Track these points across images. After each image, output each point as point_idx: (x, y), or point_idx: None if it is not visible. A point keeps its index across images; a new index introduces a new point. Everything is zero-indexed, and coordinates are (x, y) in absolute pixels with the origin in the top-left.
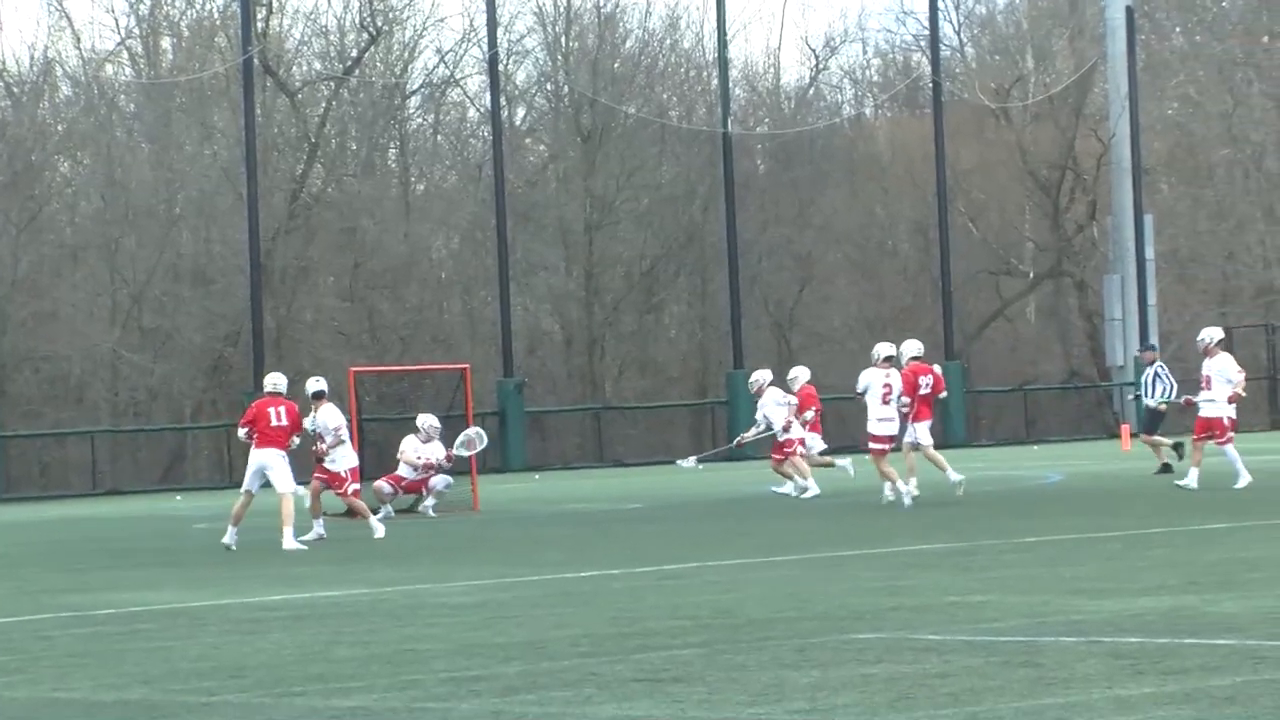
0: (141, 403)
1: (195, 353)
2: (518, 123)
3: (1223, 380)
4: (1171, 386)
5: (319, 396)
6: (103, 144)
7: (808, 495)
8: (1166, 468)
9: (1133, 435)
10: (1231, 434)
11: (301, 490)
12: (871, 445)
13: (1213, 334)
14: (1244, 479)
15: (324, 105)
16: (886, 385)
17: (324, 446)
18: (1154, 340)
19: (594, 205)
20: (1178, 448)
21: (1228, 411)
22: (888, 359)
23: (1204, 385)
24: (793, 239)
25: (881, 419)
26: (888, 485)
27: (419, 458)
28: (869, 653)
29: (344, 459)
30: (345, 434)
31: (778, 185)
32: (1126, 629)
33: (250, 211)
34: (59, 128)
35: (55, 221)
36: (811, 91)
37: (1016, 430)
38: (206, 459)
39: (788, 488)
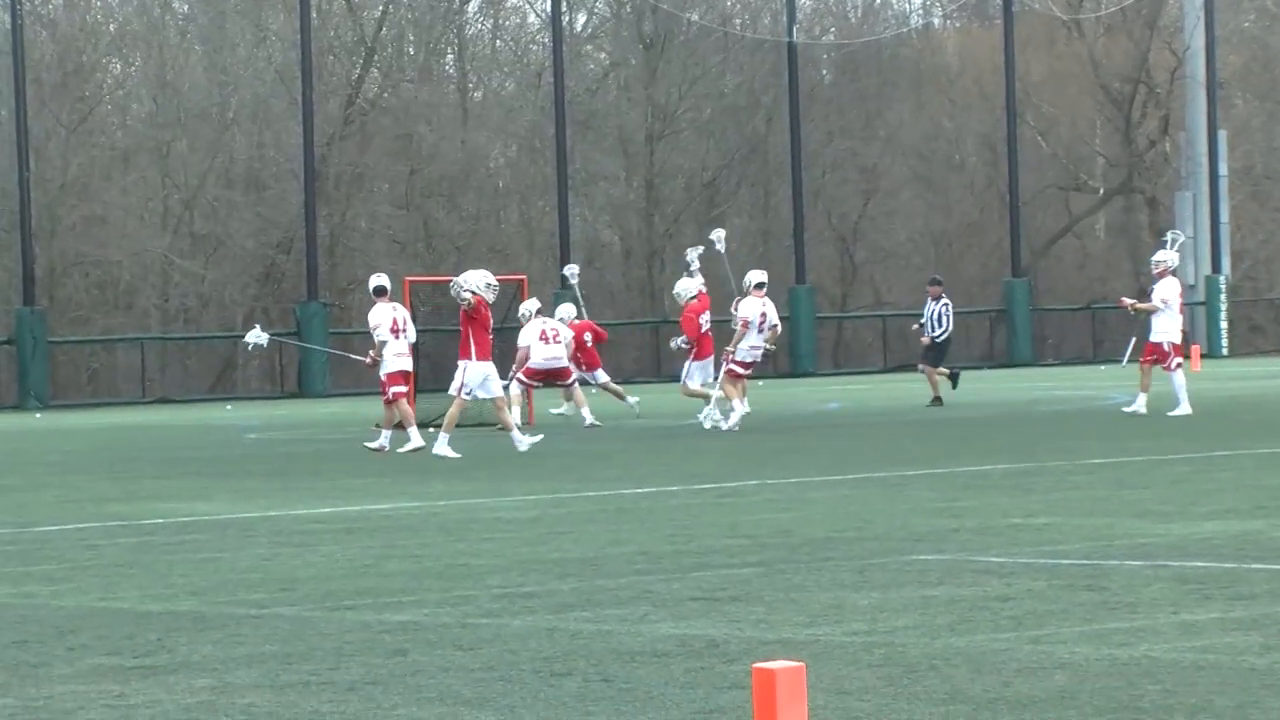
0: (192, 310)
1: (247, 259)
2: (578, 29)
3: (1172, 307)
4: (948, 324)
5: (379, 293)
6: (155, 45)
7: (589, 423)
8: (939, 400)
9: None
10: (1179, 360)
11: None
12: (733, 367)
13: (1169, 258)
14: (1183, 408)
15: (381, 8)
16: (762, 314)
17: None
18: (1225, 258)
19: (655, 114)
20: (953, 378)
21: (1172, 337)
22: (759, 286)
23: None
24: (858, 151)
25: (754, 346)
26: (712, 405)
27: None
28: (930, 575)
29: (385, 363)
30: (384, 334)
31: (843, 96)
32: (1192, 553)
33: (305, 116)
34: (110, 27)
35: (106, 124)
36: (879, 0)
37: (1083, 350)
38: (257, 368)
39: (565, 408)
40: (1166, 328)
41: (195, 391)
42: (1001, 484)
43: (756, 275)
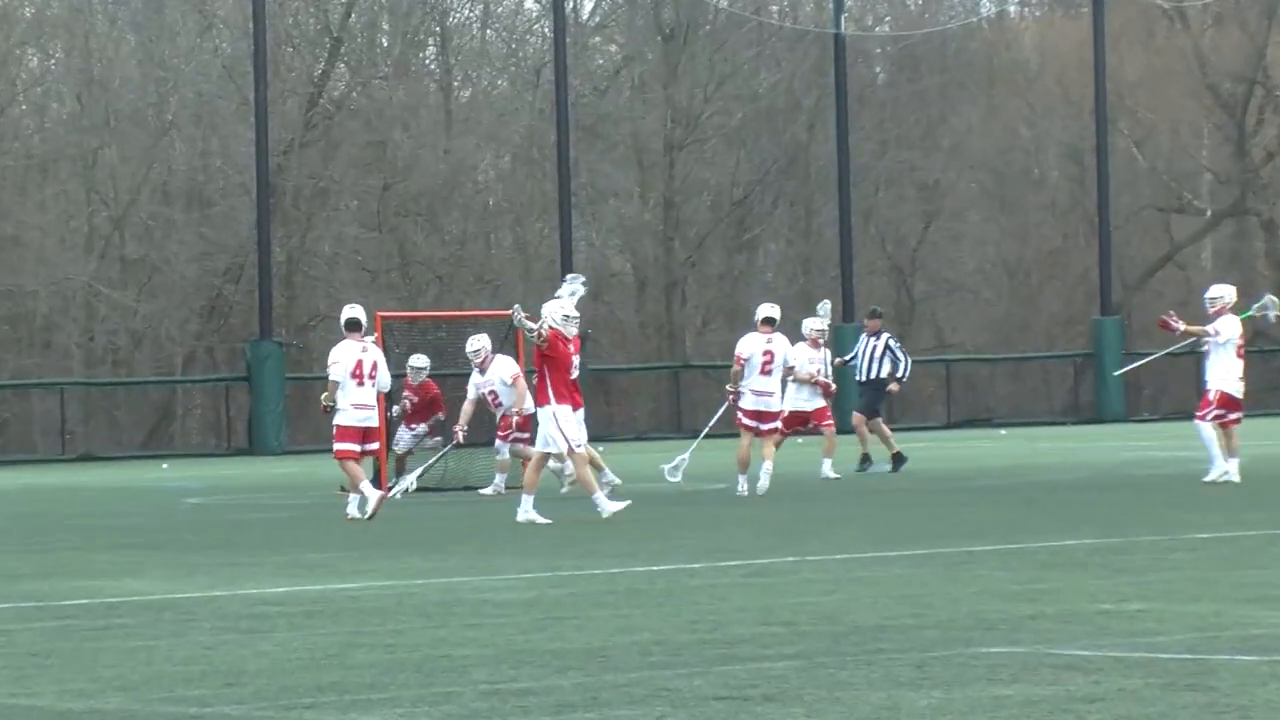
0: (122, 350)
1: (188, 290)
2: (584, 17)
3: (1226, 346)
4: (907, 362)
5: (351, 328)
6: (79, 33)
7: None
8: (867, 458)
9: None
10: (1218, 411)
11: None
12: (741, 419)
13: (1225, 293)
14: (1217, 469)
15: None
16: (767, 353)
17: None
18: None
19: (676, 119)
20: (897, 460)
21: (1224, 385)
22: (767, 321)
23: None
24: (917, 164)
25: (758, 392)
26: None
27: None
28: (1002, 670)
29: (340, 411)
30: (338, 373)
31: (900, 98)
32: None
33: (258, 119)
34: (26, 12)
35: (20, 127)
36: None
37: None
38: (199, 420)
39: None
40: (1220, 373)
41: (125, 447)
42: (1088, 562)
43: (764, 310)
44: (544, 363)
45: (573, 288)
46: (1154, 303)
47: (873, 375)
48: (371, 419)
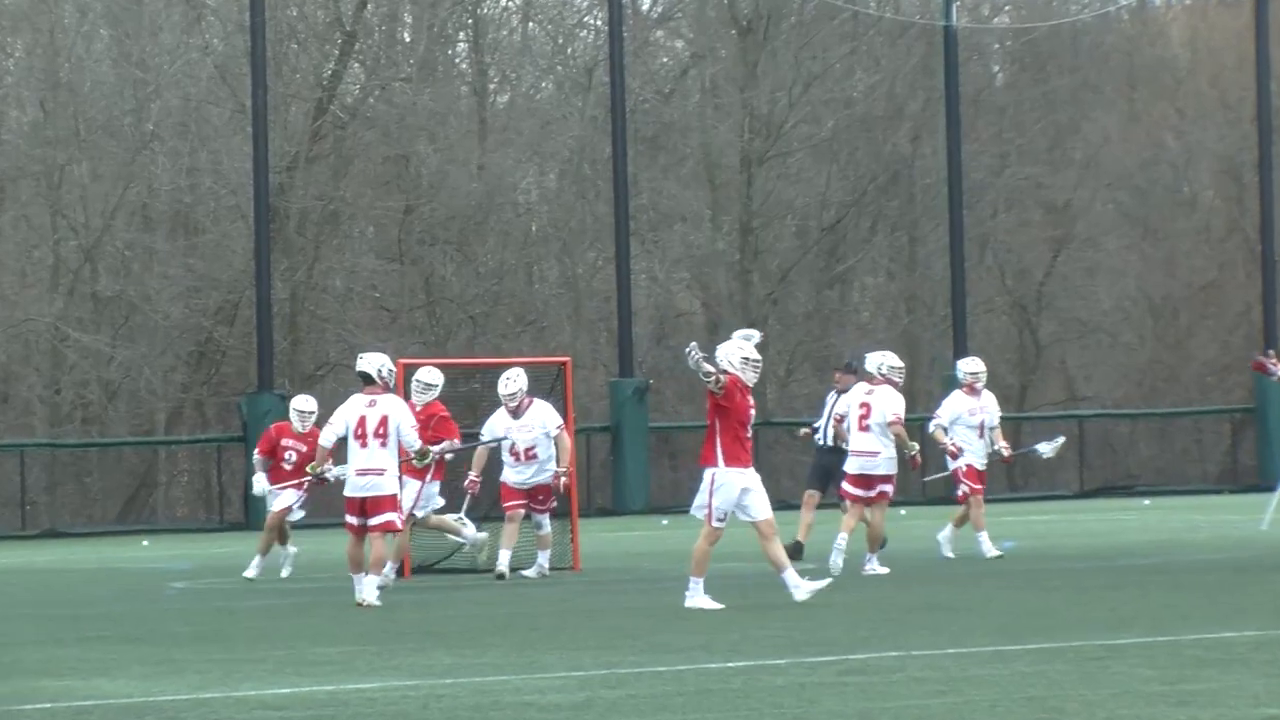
0: (94, 405)
1: (173, 334)
2: (645, 6)
3: None
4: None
5: (365, 381)
6: (43, 27)
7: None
8: (799, 546)
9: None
10: None
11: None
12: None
13: None
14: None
15: None
16: (864, 405)
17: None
18: None
19: (754, 129)
20: (796, 549)
21: None
22: (849, 369)
23: None
24: (1043, 181)
25: (858, 452)
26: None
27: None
28: None
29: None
30: (327, 436)
31: (1023, 103)
32: None
33: (256, 130)
34: None
35: None
36: None
37: None
38: (186, 489)
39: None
40: None
41: (98, 521)
42: (1250, 658)
43: (879, 358)
44: (716, 415)
45: (746, 336)
46: None
47: (826, 438)
48: (378, 486)
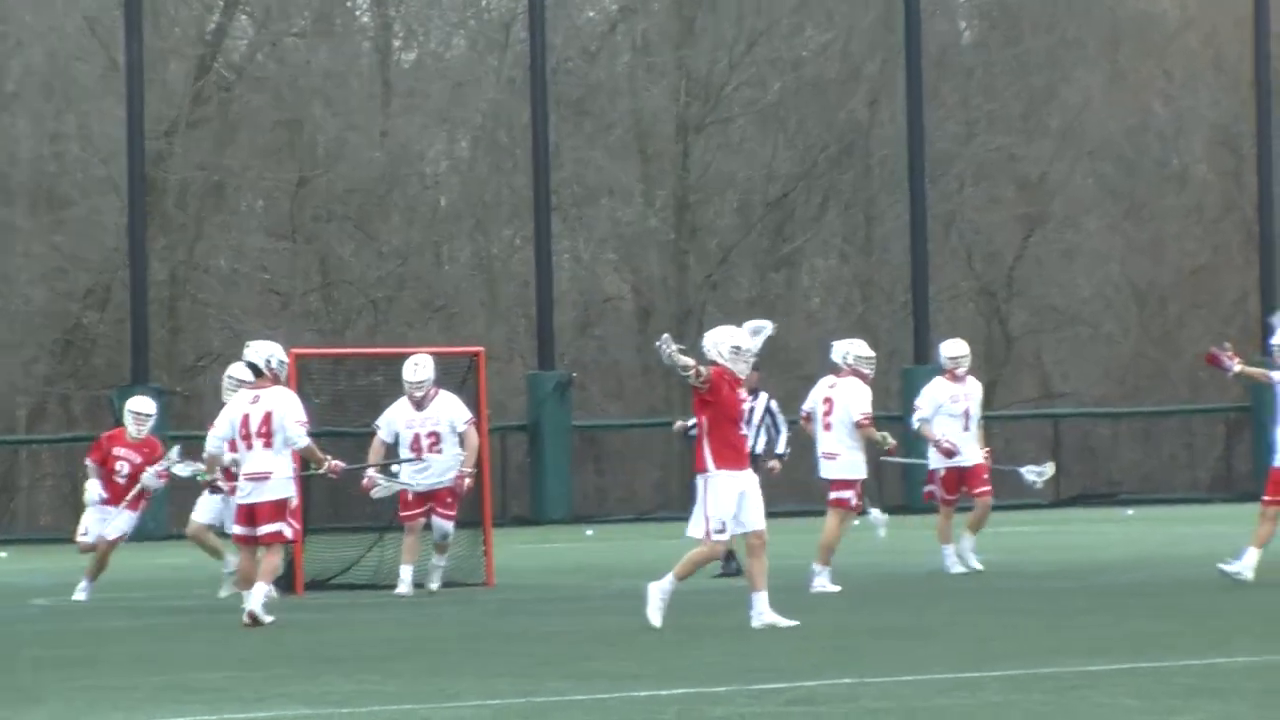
0: None
1: (35, 321)
2: None
3: None
4: (785, 433)
5: (255, 373)
6: None
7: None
8: (731, 557)
9: None
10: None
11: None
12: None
13: None
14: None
15: None
16: (827, 400)
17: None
18: None
19: (692, 93)
20: (729, 566)
21: None
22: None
23: None
24: (1017, 153)
25: (822, 454)
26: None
27: None
28: None
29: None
30: (213, 443)
31: (993, 64)
32: None
33: (131, 91)
34: None
35: None
36: None
37: None
38: (50, 493)
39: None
40: None
41: None
42: (1244, 687)
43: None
44: (704, 412)
45: (756, 330)
46: None
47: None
48: (262, 492)
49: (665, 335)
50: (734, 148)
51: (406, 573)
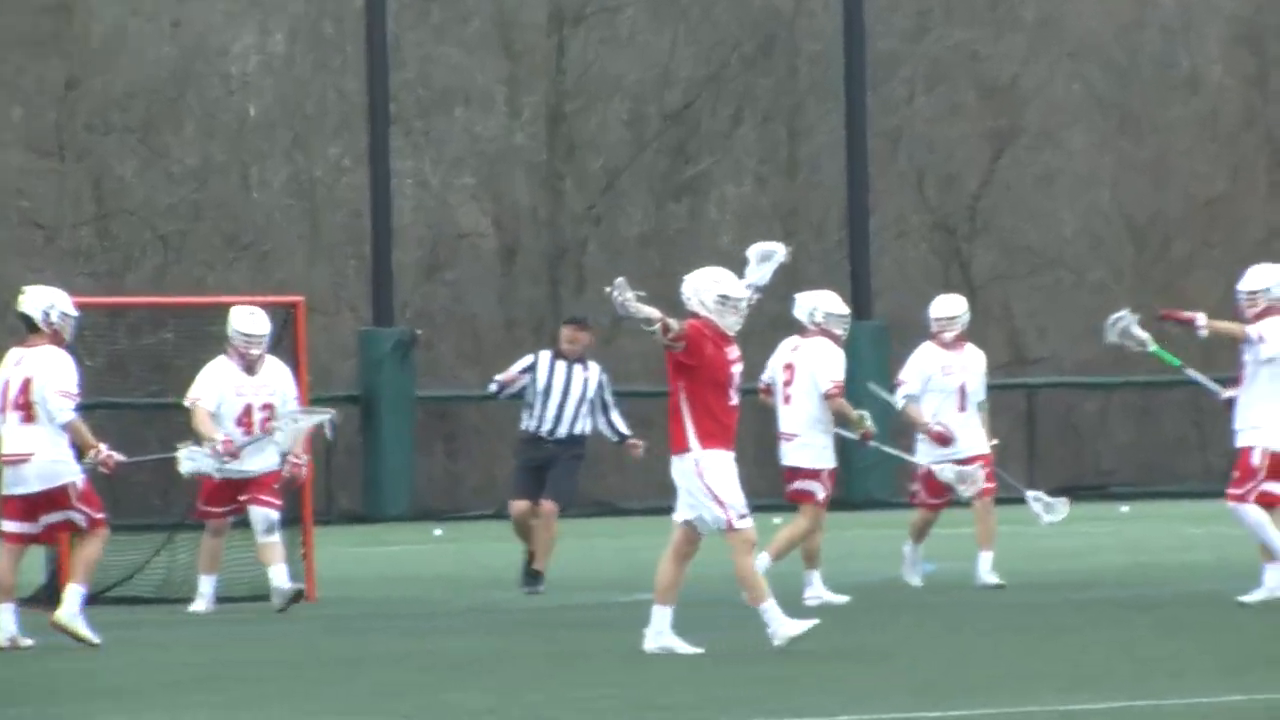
0: None
1: None
2: None
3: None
4: (615, 414)
5: (29, 327)
6: None
7: None
8: (535, 575)
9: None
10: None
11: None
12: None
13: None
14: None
15: None
16: (788, 367)
17: None
18: None
19: None
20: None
21: (1268, 439)
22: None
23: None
24: (981, 51)
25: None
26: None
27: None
28: None
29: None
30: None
31: None
32: None
33: None
34: None
35: None
36: None
37: None
38: None
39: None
40: (1257, 413)
41: None
42: None
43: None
44: (680, 379)
45: (765, 255)
46: None
47: (574, 430)
48: (24, 479)
49: (620, 280)
50: (622, 43)
51: (206, 584)
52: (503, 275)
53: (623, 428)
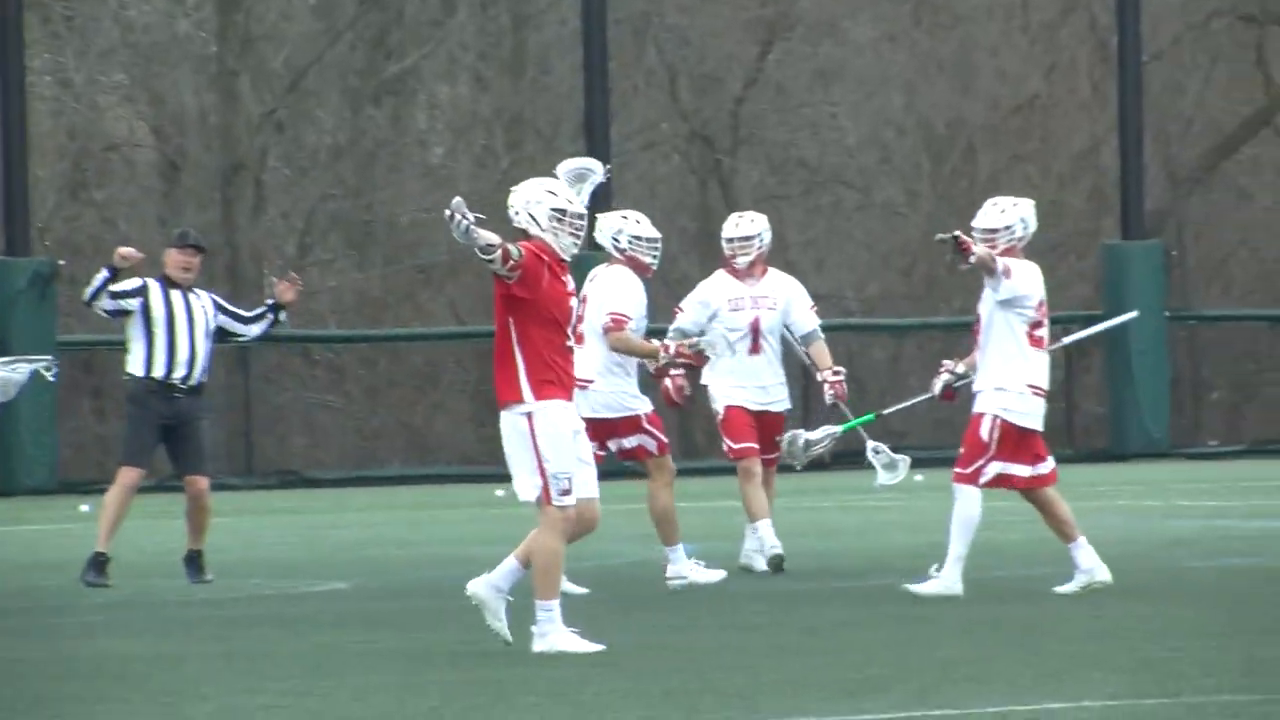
0: None
1: None
2: None
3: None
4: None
5: None
6: None
7: None
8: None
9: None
10: (989, 467)
11: None
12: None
13: (1007, 218)
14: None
15: None
16: (583, 299)
17: None
18: None
19: None
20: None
21: (1003, 401)
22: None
23: None
24: None
25: None
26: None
27: None
28: None
29: None
30: None
31: None
32: None
33: None
34: None
35: None
36: None
37: None
38: None
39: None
40: (995, 373)
41: None
42: None
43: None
44: (509, 313)
45: (579, 175)
46: (1220, 216)
47: (203, 377)
48: None
49: (457, 200)
50: None
51: None
52: (165, 195)
53: (258, 311)
